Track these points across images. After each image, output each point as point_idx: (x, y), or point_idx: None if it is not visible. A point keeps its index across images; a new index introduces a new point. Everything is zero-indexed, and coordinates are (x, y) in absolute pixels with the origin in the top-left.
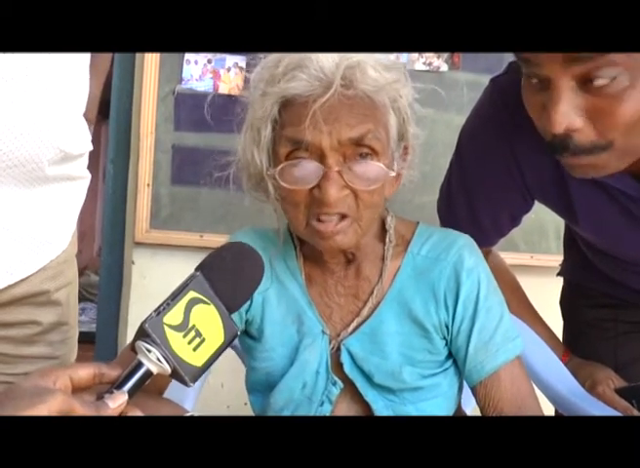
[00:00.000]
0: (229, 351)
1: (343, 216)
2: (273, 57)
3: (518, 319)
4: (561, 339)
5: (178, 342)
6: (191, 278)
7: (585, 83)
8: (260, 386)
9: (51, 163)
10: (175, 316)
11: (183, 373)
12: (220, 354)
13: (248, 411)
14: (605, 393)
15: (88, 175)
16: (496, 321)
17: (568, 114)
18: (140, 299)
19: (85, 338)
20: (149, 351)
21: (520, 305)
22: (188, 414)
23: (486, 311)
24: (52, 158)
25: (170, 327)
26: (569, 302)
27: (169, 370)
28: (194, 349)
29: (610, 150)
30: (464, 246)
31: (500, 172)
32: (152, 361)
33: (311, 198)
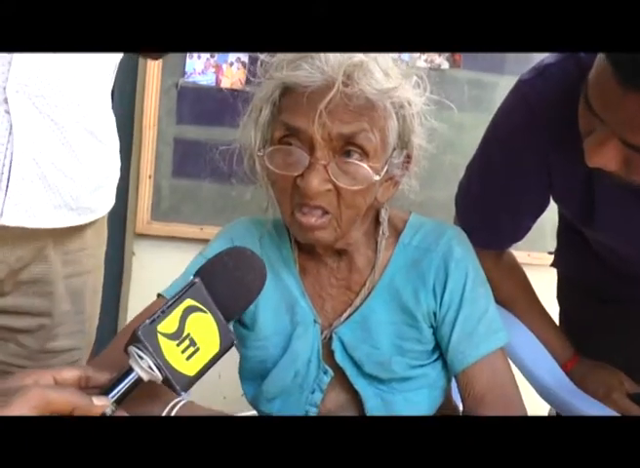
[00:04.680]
0: None
1: (325, 212)
2: None
3: (509, 313)
4: None
5: (171, 351)
6: (190, 285)
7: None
8: (253, 374)
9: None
10: (169, 324)
11: (175, 382)
12: (213, 363)
13: (244, 403)
14: (620, 400)
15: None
16: (480, 312)
17: (605, 158)
18: (141, 290)
19: None
20: (141, 358)
21: (530, 305)
22: (182, 398)
23: (471, 302)
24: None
25: (164, 335)
26: (568, 298)
27: (160, 378)
28: (187, 358)
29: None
30: (454, 237)
31: (530, 179)
32: (144, 368)
33: (296, 186)
